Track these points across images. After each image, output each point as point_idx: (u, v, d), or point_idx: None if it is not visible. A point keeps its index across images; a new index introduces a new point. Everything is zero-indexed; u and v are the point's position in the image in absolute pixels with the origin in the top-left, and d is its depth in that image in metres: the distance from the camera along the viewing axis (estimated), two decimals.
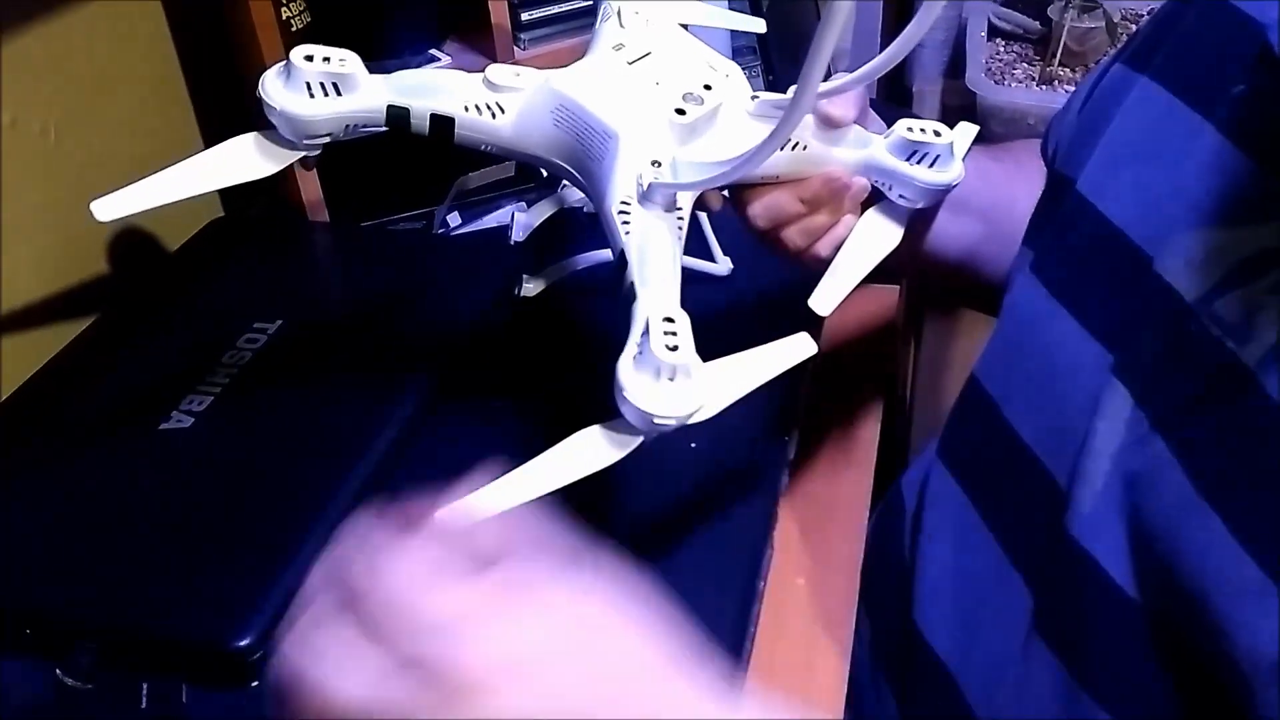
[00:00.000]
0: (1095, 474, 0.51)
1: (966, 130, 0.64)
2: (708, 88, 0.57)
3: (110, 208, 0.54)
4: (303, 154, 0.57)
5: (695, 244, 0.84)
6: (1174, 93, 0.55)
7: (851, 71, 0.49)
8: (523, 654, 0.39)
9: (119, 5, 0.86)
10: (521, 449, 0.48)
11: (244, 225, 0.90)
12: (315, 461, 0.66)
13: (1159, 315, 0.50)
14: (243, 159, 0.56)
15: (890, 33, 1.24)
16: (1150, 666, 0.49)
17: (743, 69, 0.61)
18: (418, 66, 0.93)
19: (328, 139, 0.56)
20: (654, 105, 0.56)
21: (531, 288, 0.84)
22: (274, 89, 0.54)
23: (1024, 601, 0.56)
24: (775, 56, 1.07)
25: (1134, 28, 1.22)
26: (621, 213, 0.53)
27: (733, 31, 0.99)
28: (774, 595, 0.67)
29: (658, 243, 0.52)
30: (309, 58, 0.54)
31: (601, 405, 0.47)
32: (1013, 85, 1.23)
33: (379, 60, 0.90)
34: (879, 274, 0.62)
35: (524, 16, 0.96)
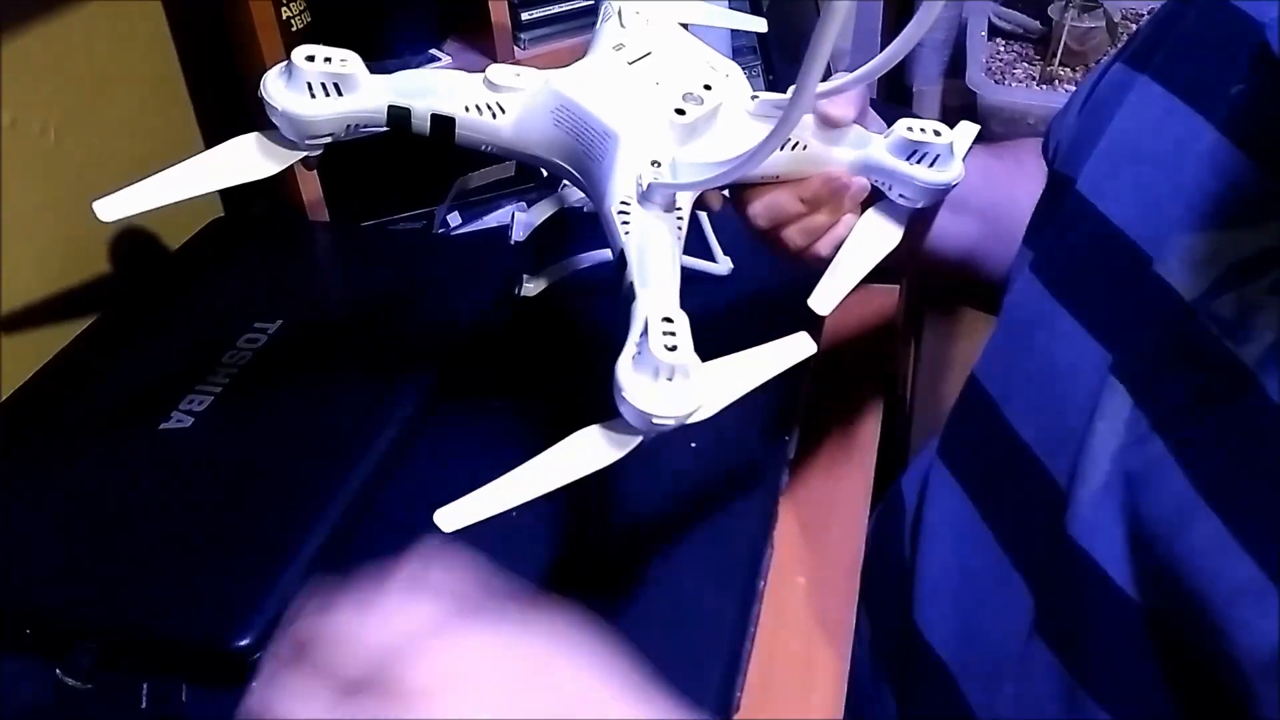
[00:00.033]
0: (1095, 474, 0.51)
1: (967, 130, 0.64)
2: (708, 88, 0.57)
3: (112, 208, 0.54)
4: (304, 154, 0.57)
5: (695, 243, 0.84)
6: (1174, 92, 0.55)
7: (852, 71, 0.49)
8: (467, 666, 0.40)
9: (119, 5, 0.86)
10: (521, 449, 0.48)
11: (244, 225, 0.90)
12: (315, 461, 0.66)
13: (1158, 315, 0.50)
14: (244, 159, 0.56)
15: (890, 32, 1.24)
16: (1150, 667, 0.49)
17: (743, 68, 0.61)
18: (418, 66, 0.93)
19: (329, 139, 0.56)
20: (654, 105, 0.56)
21: (531, 288, 0.84)
22: (275, 89, 0.54)
23: (1024, 602, 0.56)
24: (775, 56, 1.07)
25: (1134, 27, 1.22)
26: (621, 213, 0.53)
27: (733, 31, 0.99)
28: (774, 595, 0.67)
29: (657, 243, 0.52)
30: (310, 58, 0.54)
31: (601, 405, 0.47)
32: (1013, 85, 1.23)
33: (379, 60, 0.91)
34: (879, 274, 0.62)
35: (524, 16, 0.96)
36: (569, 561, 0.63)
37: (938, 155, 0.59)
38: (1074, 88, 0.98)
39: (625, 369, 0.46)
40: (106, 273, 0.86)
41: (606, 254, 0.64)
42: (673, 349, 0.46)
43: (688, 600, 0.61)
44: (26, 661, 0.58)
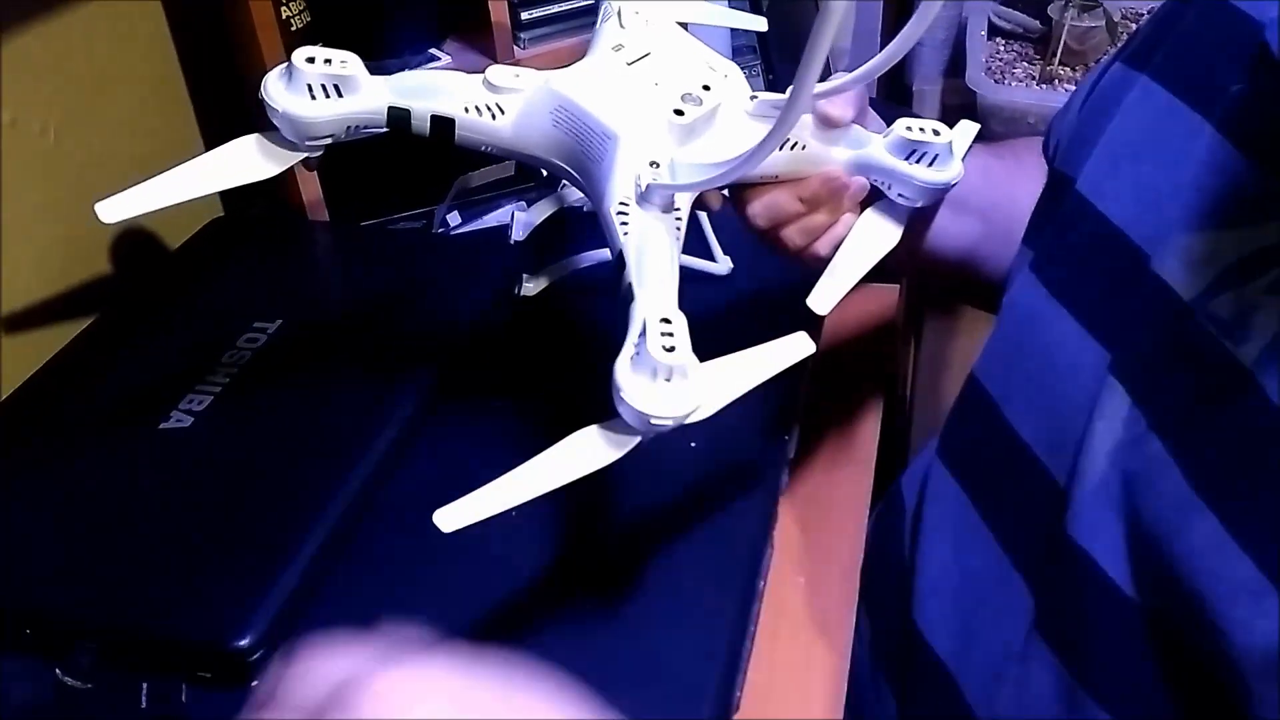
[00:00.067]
0: (1093, 474, 0.51)
1: (967, 129, 0.64)
2: (706, 88, 0.57)
3: (114, 209, 0.54)
4: (305, 155, 0.57)
5: (695, 243, 0.84)
6: (1173, 92, 0.55)
7: (851, 71, 0.49)
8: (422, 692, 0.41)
9: (119, 5, 0.86)
10: (521, 449, 0.48)
11: (244, 225, 0.90)
12: (315, 461, 0.66)
13: (1157, 315, 0.50)
14: (245, 160, 0.56)
15: (890, 32, 1.24)
16: (1150, 666, 0.49)
17: (743, 68, 0.61)
18: (418, 66, 0.93)
19: (329, 140, 0.56)
20: (653, 106, 0.56)
21: (531, 287, 0.84)
22: (276, 91, 0.54)
23: (1024, 601, 0.56)
24: (775, 56, 1.07)
25: (1134, 27, 1.22)
26: (620, 213, 0.53)
27: (733, 30, 0.99)
28: (774, 594, 0.67)
29: (655, 244, 0.52)
30: (310, 60, 0.54)
31: (601, 405, 0.47)
32: (1013, 84, 1.23)
33: (379, 60, 0.91)
34: (879, 273, 0.62)
35: (524, 16, 0.95)
36: (569, 561, 0.63)
37: (936, 155, 0.59)
38: (1074, 87, 0.98)
39: (623, 369, 0.46)
40: (106, 273, 0.86)
41: (606, 253, 0.64)
42: (670, 350, 0.46)
43: (688, 600, 0.61)
44: (26, 661, 0.58)
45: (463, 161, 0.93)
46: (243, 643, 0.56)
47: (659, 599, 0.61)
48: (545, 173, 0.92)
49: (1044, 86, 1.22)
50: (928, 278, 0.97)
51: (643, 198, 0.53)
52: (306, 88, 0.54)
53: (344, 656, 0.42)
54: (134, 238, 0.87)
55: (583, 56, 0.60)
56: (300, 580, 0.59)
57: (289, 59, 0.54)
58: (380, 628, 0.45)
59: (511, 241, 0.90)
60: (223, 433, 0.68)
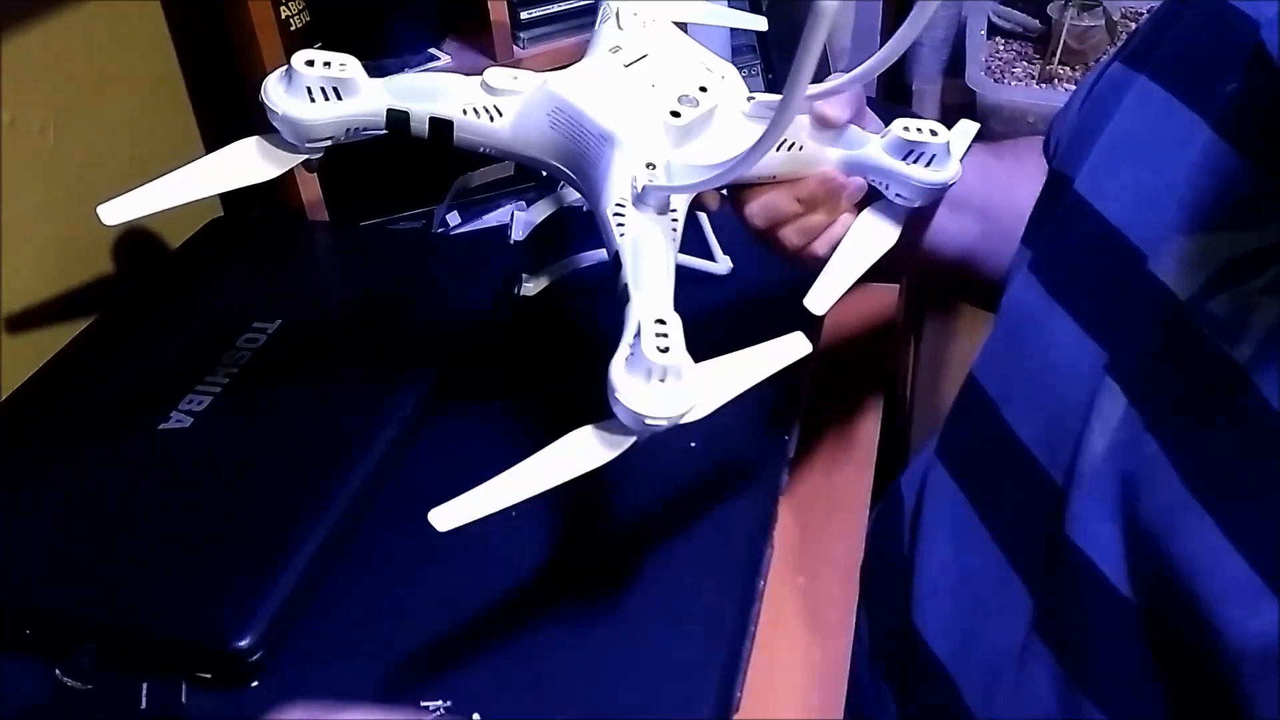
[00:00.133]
0: (1091, 474, 0.51)
1: (965, 129, 0.64)
2: (703, 90, 0.57)
3: (116, 212, 0.54)
4: (305, 157, 0.57)
5: (695, 243, 0.84)
6: (1171, 92, 0.55)
7: (850, 71, 0.49)
8: None
9: (119, 5, 0.86)
10: (521, 449, 0.48)
11: (244, 225, 0.90)
12: (315, 461, 0.66)
13: (1153, 315, 0.50)
14: (246, 162, 0.57)
15: (890, 32, 1.24)
16: (1147, 667, 0.49)
17: (743, 68, 0.61)
18: (417, 65, 0.93)
19: (329, 142, 0.57)
20: (650, 107, 0.56)
21: (531, 287, 0.84)
22: (276, 94, 0.54)
23: (1023, 602, 0.56)
24: (775, 55, 1.07)
25: (1134, 26, 1.22)
26: (616, 215, 0.53)
27: (733, 30, 0.99)
28: (774, 594, 0.67)
29: (651, 245, 0.52)
30: (310, 63, 0.54)
31: (601, 405, 0.47)
32: (1012, 84, 1.23)
33: (378, 59, 0.91)
34: (878, 273, 0.62)
35: (523, 15, 0.95)
36: (569, 561, 0.63)
37: (934, 155, 0.59)
38: (1073, 87, 0.98)
39: (618, 370, 0.46)
40: (106, 273, 0.86)
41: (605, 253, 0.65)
42: (665, 350, 0.46)
43: (688, 600, 0.61)
44: (26, 661, 0.58)
45: (462, 162, 0.93)
46: (243, 643, 0.56)
47: (659, 599, 0.61)
48: (544, 173, 0.92)
49: (1044, 86, 1.22)
50: (927, 277, 0.97)
51: (639, 199, 0.54)
52: (306, 90, 0.54)
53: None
54: (134, 238, 0.87)
55: (582, 57, 0.60)
56: (300, 580, 0.60)
57: (288, 60, 0.54)
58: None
59: (511, 241, 0.90)
60: (222, 433, 0.68)
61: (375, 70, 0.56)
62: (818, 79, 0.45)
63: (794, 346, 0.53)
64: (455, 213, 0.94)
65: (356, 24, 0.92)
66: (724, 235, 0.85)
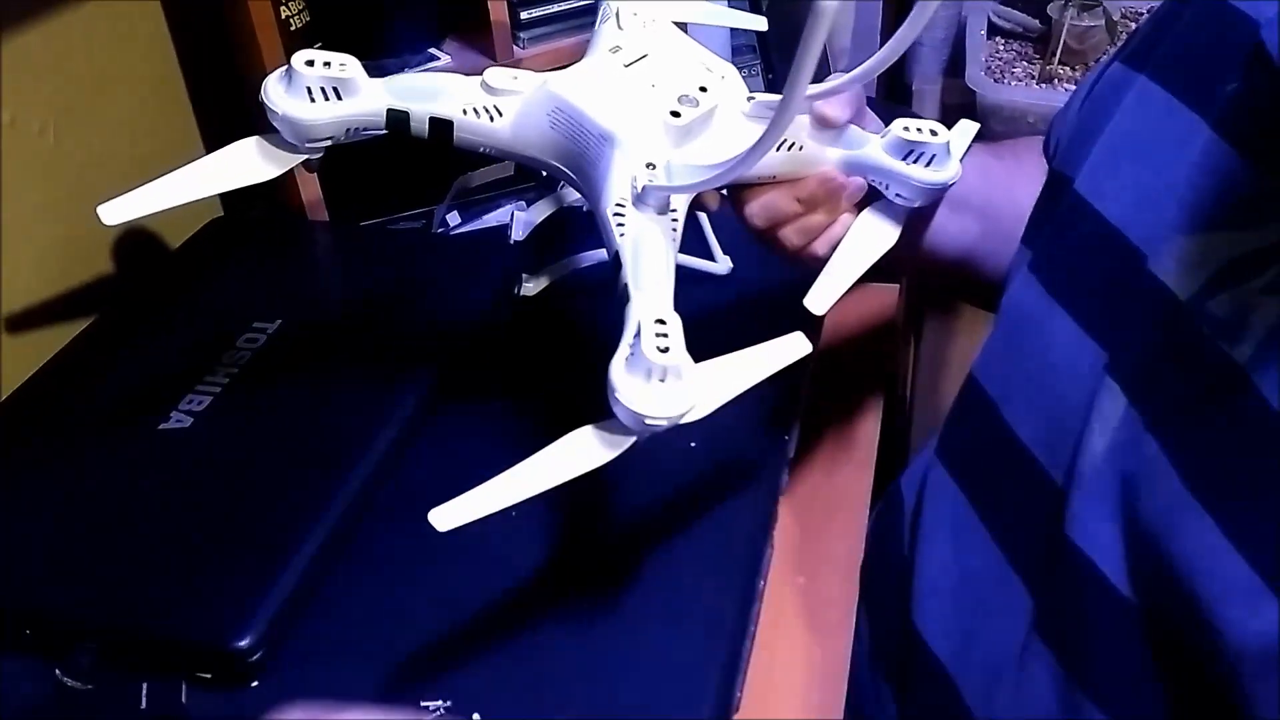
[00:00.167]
0: (1090, 474, 0.51)
1: (966, 128, 0.64)
2: (703, 90, 0.57)
3: (116, 212, 0.54)
4: (305, 157, 0.57)
5: (695, 243, 0.84)
6: (1171, 91, 0.55)
7: (851, 71, 0.49)
8: None
9: (119, 5, 0.86)
10: (521, 449, 0.48)
11: (244, 225, 0.90)
12: (315, 461, 0.66)
13: (1153, 315, 0.50)
14: (246, 162, 0.57)
15: (891, 31, 1.24)
16: (1147, 667, 0.49)
17: (743, 68, 0.61)
18: (417, 65, 0.93)
19: (329, 142, 0.57)
20: (650, 107, 0.56)
21: (531, 287, 0.84)
22: (276, 94, 0.54)
23: (1023, 602, 0.56)
24: (775, 55, 1.07)
25: (1134, 26, 1.22)
26: (616, 215, 0.53)
27: (733, 30, 0.99)
28: (774, 594, 0.67)
29: (651, 245, 0.52)
30: (310, 63, 0.54)
31: (602, 405, 0.47)
32: (1012, 84, 1.23)
33: (378, 59, 0.91)
34: (878, 273, 0.62)
35: (523, 15, 0.95)
36: (569, 561, 0.63)
37: (934, 155, 0.59)
38: (1073, 87, 0.98)
39: (618, 370, 0.46)
40: (106, 273, 0.86)
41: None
42: (665, 350, 0.46)
43: (688, 600, 0.61)
44: (26, 661, 0.58)
45: (462, 161, 0.93)
46: (243, 643, 0.56)
47: (659, 599, 0.61)
48: (544, 173, 0.92)
49: (1044, 86, 1.22)
50: (927, 277, 0.97)
51: (639, 199, 0.54)
52: (306, 91, 0.54)
53: None
54: (134, 238, 0.87)
55: (582, 57, 0.60)
56: (300, 580, 0.60)
57: (288, 60, 0.54)
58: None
59: (511, 241, 0.90)
60: (222, 433, 0.68)
61: (375, 70, 0.56)
62: (818, 79, 0.45)
63: (794, 346, 0.53)
64: (455, 213, 0.94)
65: (356, 24, 0.92)
66: (724, 235, 0.85)
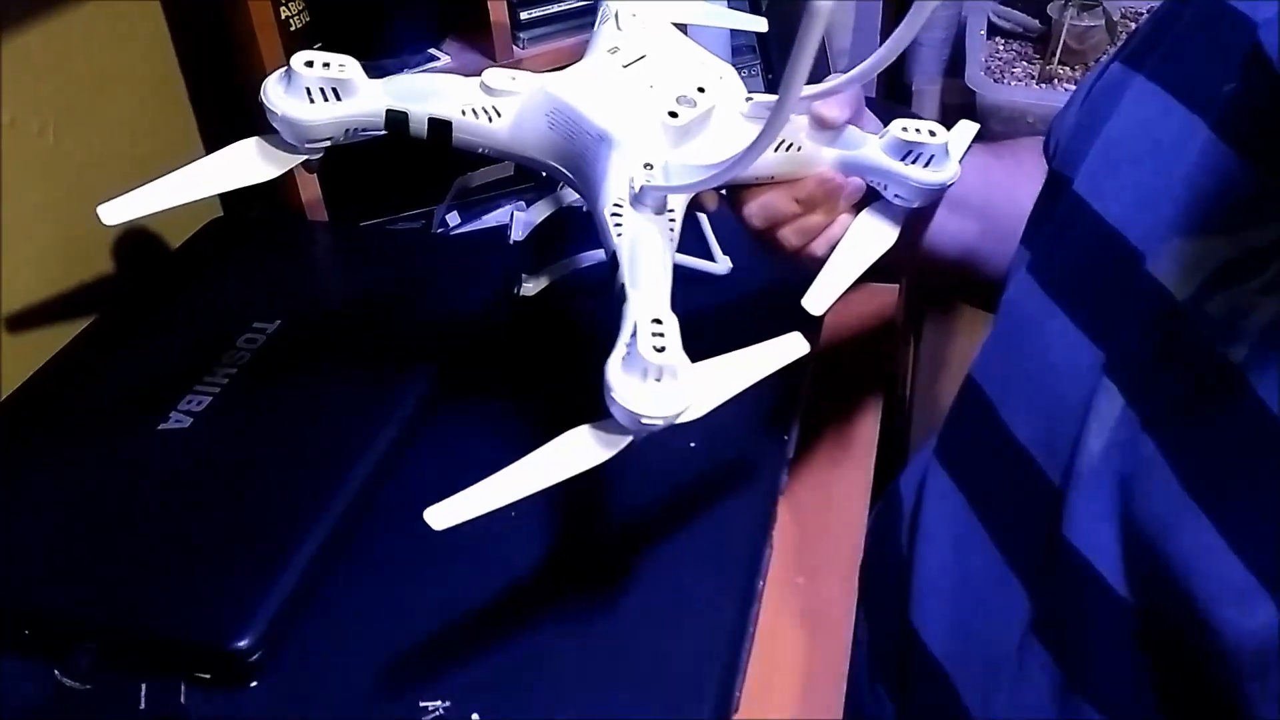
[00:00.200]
0: (1088, 475, 0.51)
1: (965, 129, 0.64)
2: (701, 90, 0.58)
3: (116, 212, 0.54)
4: (304, 157, 0.57)
5: (695, 243, 0.84)
6: (1170, 92, 0.55)
7: (849, 71, 0.49)
8: None
9: (119, 5, 0.86)
10: (521, 449, 0.48)
11: (243, 225, 0.90)
12: (315, 461, 0.66)
13: (1150, 315, 0.50)
14: (246, 163, 0.57)
15: (891, 32, 1.24)
16: (1144, 668, 0.49)
17: (743, 68, 0.61)
18: (417, 66, 0.93)
19: (328, 143, 0.57)
20: (648, 108, 0.56)
21: (531, 287, 0.84)
22: (275, 95, 0.55)
23: (1020, 602, 0.56)
24: (775, 56, 1.07)
25: (1134, 26, 1.22)
26: (614, 215, 0.53)
27: (733, 30, 0.99)
28: (773, 594, 0.67)
29: (648, 245, 0.52)
30: (309, 64, 0.54)
31: (601, 404, 0.47)
32: (1012, 84, 1.23)
33: (378, 60, 0.91)
34: (878, 273, 0.62)
35: (523, 15, 0.96)
36: (569, 561, 0.63)
37: (932, 155, 0.59)
38: (1073, 87, 0.98)
39: (614, 369, 0.46)
40: (106, 273, 0.86)
41: None
42: (661, 350, 0.46)
43: (687, 600, 0.61)
44: (26, 661, 0.58)
45: (461, 161, 0.93)
46: (243, 643, 0.56)
47: (659, 599, 0.61)
48: (544, 174, 0.92)
49: (1043, 86, 1.22)
50: (927, 277, 0.97)
51: (636, 199, 0.54)
52: (305, 91, 0.54)
53: None
54: (134, 238, 0.87)
55: (581, 57, 0.60)
56: (300, 580, 0.60)
57: (288, 60, 0.54)
58: None
59: (511, 241, 0.90)
60: (222, 433, 0.68)
61: (375, 71, 0.57)
62: (816, 79, 0.45)
63: (792, 347, 0.53)
64: (455, 213, 0.94)
65: (356, 24, 0.92)
66: (723, 235, 0.85)
